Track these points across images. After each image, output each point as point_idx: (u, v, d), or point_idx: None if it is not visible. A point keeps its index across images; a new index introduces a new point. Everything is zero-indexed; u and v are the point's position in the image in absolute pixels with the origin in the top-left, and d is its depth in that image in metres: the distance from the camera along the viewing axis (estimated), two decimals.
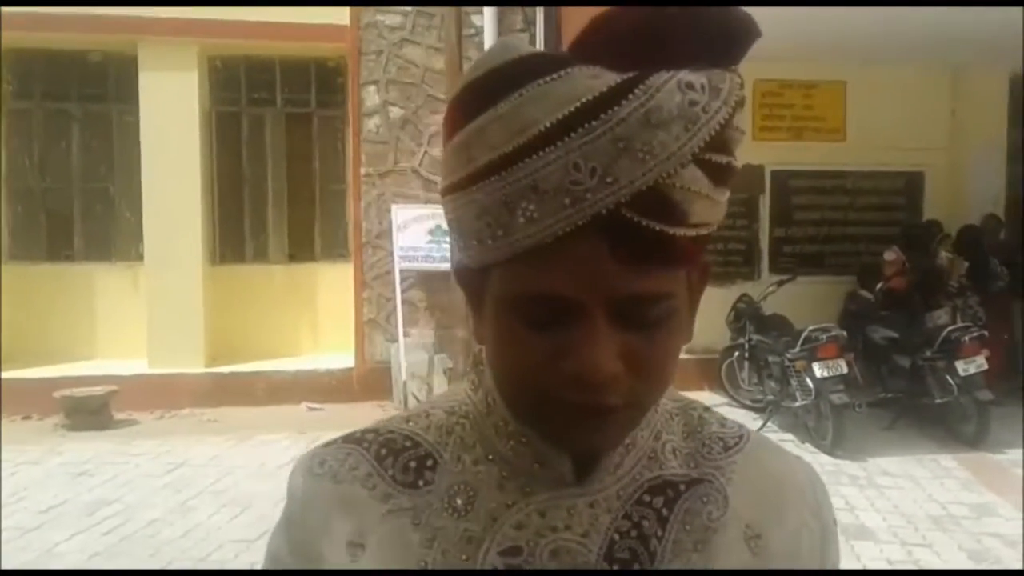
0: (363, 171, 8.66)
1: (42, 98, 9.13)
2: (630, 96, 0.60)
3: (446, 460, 0.76)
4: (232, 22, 8.49)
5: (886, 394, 7.76)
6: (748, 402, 8.23)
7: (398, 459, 0.77)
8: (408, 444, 0.77)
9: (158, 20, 8.44)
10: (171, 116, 8.69)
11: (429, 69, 8.54)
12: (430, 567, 0.72)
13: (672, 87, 0.60)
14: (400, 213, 8.25)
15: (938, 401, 7.17)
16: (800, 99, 9.62)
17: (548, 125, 0.60)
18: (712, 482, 0.77)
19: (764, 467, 0.80)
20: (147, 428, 7.84)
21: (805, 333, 7.09)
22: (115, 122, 9.15)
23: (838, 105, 9.63)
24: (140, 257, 8.95)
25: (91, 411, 7.75)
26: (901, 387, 7.62)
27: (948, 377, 7.05)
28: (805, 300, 8.60)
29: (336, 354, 8.95)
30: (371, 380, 8.50)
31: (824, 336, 7.00)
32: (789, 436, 7.28)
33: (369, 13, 8.59)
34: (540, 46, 7.74)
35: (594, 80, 0.61)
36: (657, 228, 0.61)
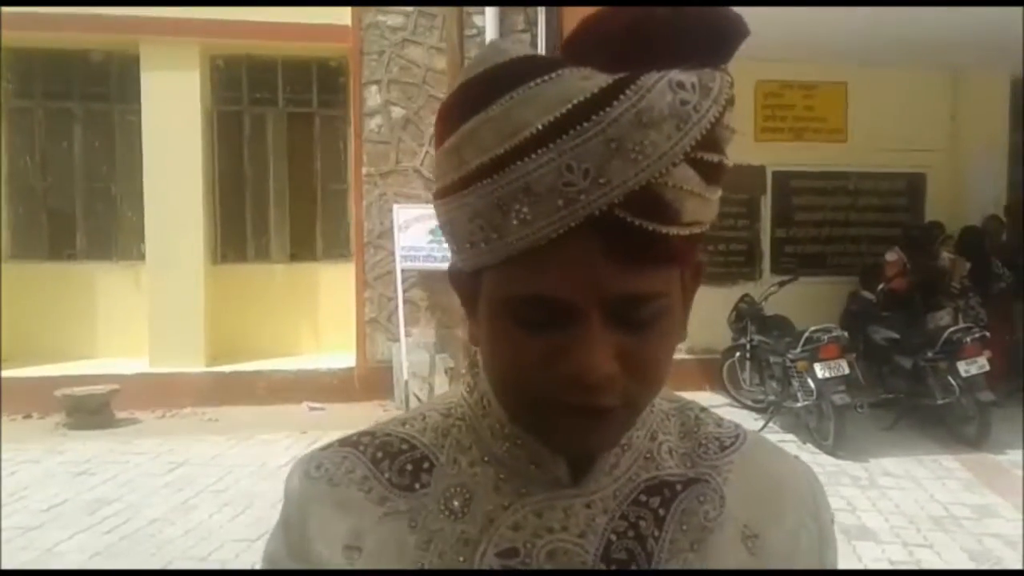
0: (365, 171, 8.67)
1: (44, 97, 9.14)
2: (621, 97, 0.60)
3: (442, 462, 0.76)
4: (234, 22, 8.49)
5: (887, 395, 7.76)
6: (749, 402, 8.23)
7: (394, 462, 0.77)
8: (404, 447, 0.77)
9: (160, 20, 8.45)
10: (173, 115, 8.69)
11: (431, 69, 8.54)
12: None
13: (663, 87, 0.60)
14: (401, 213, 8.25)
15: (940, 402, 7.17)
16: (801, 100, 9.62)
17: (540, 127, 0.60)
18: (709, 482, 0.77)
19: (761, 467, 0.80)
20: (148, 427, 7.84)
21: (807, 334, 7.08)
22: (117, 121, 9.16)
23: (840, 106, 9.64)
24: (142, 256, 8.95)
25: (92, 410, 7.75)
26: (902, 388, 7.62)
27: (950, 378, 7.05)
28: (806, 301, 8.60)
29: (337, 354, 8.95)
30: (372, 380, 8.50)
31: (825, 337, 6.99)
32: (791, 437, 7.28)
33: (371, 13, 8.60)
34: (541, 47, 7.74)
35: (585, 81, 0.61)
36: (651, 228, 0.61)
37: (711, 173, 0.64)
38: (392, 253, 8.40)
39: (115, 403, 7.97)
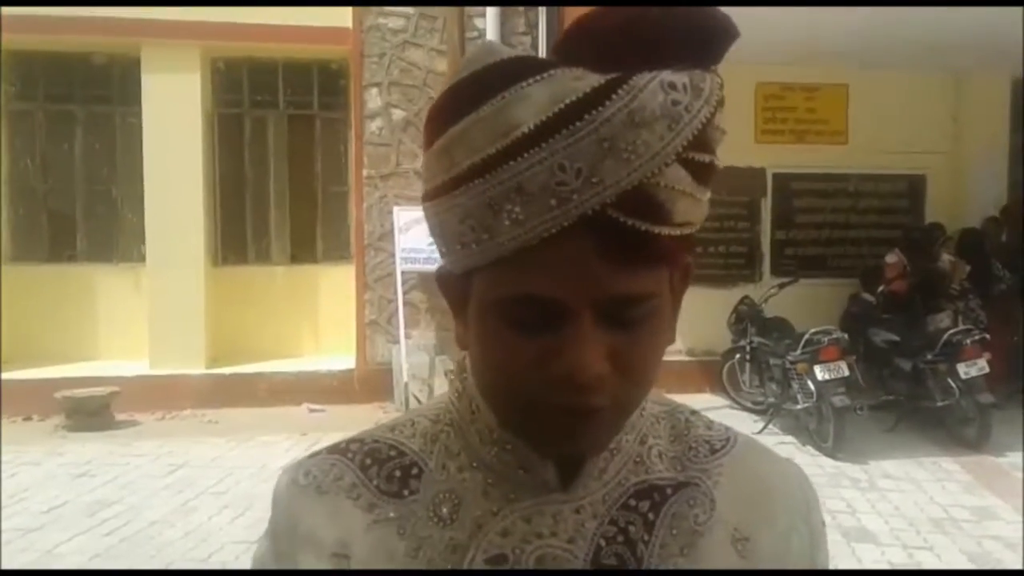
0: (365, 173, 8.67)
1: (45, 100, 9.15)
2: (614, 96, 0.60)
3: (431, 468, 0.76)
4: (235, 24, 8.50)
5: (887, 397, 7.76)
6: (749, 404, 8.23)
7: (383, 468, 0.76)
8: (393, 453, 0.77)
9: (161, 22, 8.46)
10: (174, 118, 8.70)
11: (431, 71, 8.55)
12: None
13: (655, 87, 0.61)
14: (402, 215, 8.25)
15: (939, 404, 7.17)
16: (802, 102, 9.62)
17: (532, 127, 0.60)
18: (699, 485, 0.76)
19: (752, 470, 0.80)
20: (148, 429, 7.84)
21: (806, 336, 7.08)
22: (118, 124, 9.16)
23: (840, 108, 9.64)
24: (142, 258, 8.96)
25: (92, 412, 7.75)
26: (902, 390, 7.62)
27: (949, 380, 7.05)
28: (806, 303, 8.60)
29: (337, 356, 8.95)
30: (372, 382, 8.50)
31: (825, 339, 6.99)
32: (790, 438, 7.28)
33: (371, 16, 8.61)
34: (542, 49, 7.75)
35: (577, 82, 0.61)
36: (643, 228, 0.61)
37: (702, 173, 0.64)
38: (392, 255, 8.41)
39: (115, 405, 7.97)
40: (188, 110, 8.79)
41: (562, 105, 0.60)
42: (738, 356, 8.30)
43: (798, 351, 7.08)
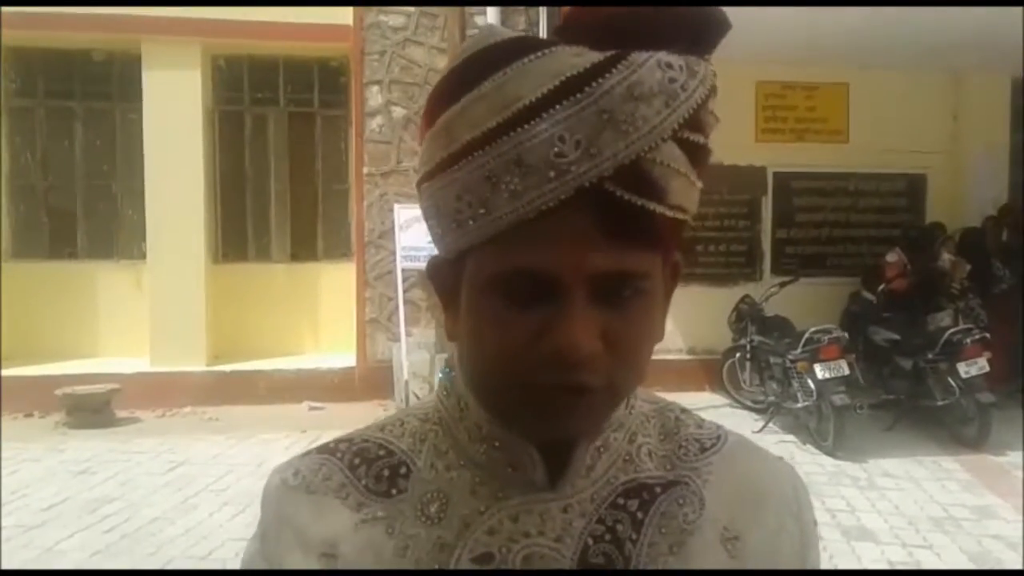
0: (366, 171, 8.68)
1: (45, 96, 9.15)
2: (613, 71, 0.61)
3: (420, 467, 0.76)
4: (236, 22, 8.50)
5: (887, 396, 7.76)
6: (750, 403, 8.23)
7: (371, 468, 0.76)
8: (382, 453, 0.77)
9: (162, 19, 8.46)
10: (174, 115, 8.70)
11: (432, 69, 8.55)
12: None
13: (652, 64, 0.62)
14: (402, 213, 8.25)
15: (939, 403, 7.18)
16: (803, 101, 9.62)
17: (533, 99, 0.61)
18: (688, 484, 0.76)
19: (742, 468, 0.79)
20: (149, 426, 7.85)
21: (807, 334, 7.09)
22: (118, 120, 9.17)
23: (841, 107, 9.64)
24: (143, 255, 8.96)
25: (93, 409, 7.76)
26: (903, 389, 7.62)
27: (950, 379, 7.05)
28: (807, 301, 8.61)
29: (338, 353, 8.96)
30: (373, 379, 8.50)
31: (826, 337, 7.00)
32: (790, 437, 7.28)
33: (372, 13, 8.61)
34: None
35: (577, 58, 0.63)
36: (639, 203, 0.62)
37: (696, 154, 0.65)
38: (393, 253, 8.41)
39: (116, 402, 7.97)
40: (189, 107, 8.79)
41: (563, 78, 0.61)
42: (738, 355, 8.30)
43: (798, 350, 7.08)
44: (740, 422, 7.62)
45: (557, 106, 0.61)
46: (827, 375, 6.84)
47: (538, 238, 0.62)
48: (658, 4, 0.65)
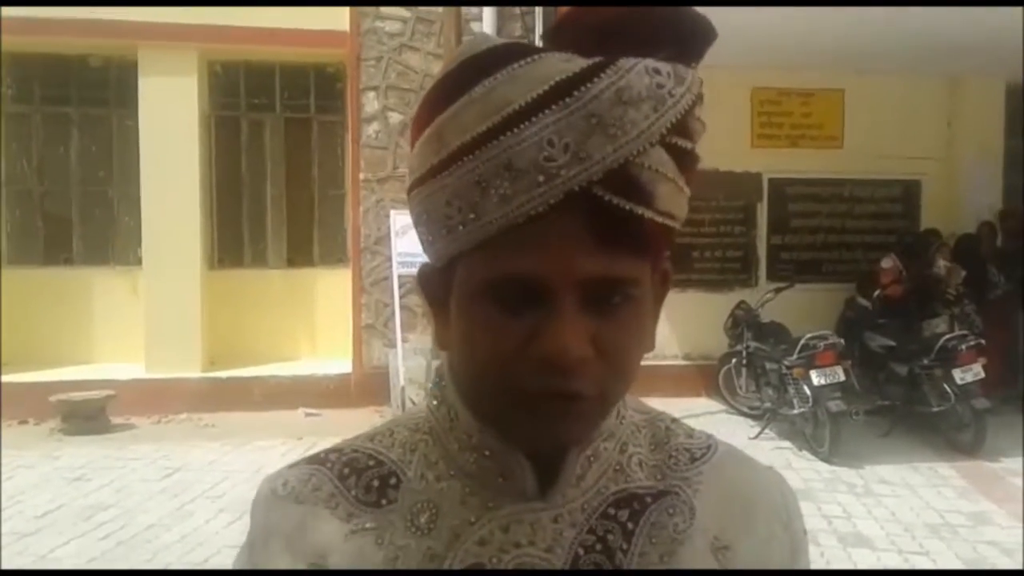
0: (362, 176, 8.68)
1: (42, 102, 9.15)
2: (602, 75, 0.62)
3: (410, 478, 0.75)
4: (232, 27, 8.51)
5: (883, 402, 7.76)
6: (746, 409, 8.24)
7: (361, 478, 0.76)
8: (371, 463, 0.77)
9: (158, 25, 8.46)
10: (171, 120, 8.70)
11: (428, 75, 8.55)
12: None
13: (641, 69, 0.63)
14: (399, 219, 8.25)
15: (935, 409, 7.19)
16: (798, 107, 9.64)
17: (523, 104, 0.62)
18: (679, 494, 0.76)
19: (732, 478, 0.80)
20: (144, 433, 7.83)
21: (802, 340, 7.09)
22: (114, 126, 9.16)
23: (836, 113, 9.66)
24: (138, 261, 8.95)
25: (88, 415, 7.74)
26: (898, 395, 7.63)
27: (945, 385, 7.07)
28: (802, 307, 8.62)
29: (334, 359, 8.95)
30: (369, 385, 8.49)
31: (821, 344, 7.00)
32: (787, 443, 7.29)
33: (368, 19, 8.62)
34: None
35: (567, 63, 0.63)
36: (627, 207, 0.62)
37: (684, 160, 0.66)
38: (389, 259, 8.40)
39: (111, 409, 7.95)
40: (185, 113, 8.79)
41: (552, 82, 0.62)
42: (734, 361, 8.31)
43: (794, 356, 7.09)
44: (736, 428, 7.63)
45: (546, 110, 0.61)
46: (823, 381, 6.84)
47: (528, 243, 0.62)
48: (651, 4, 0.65)
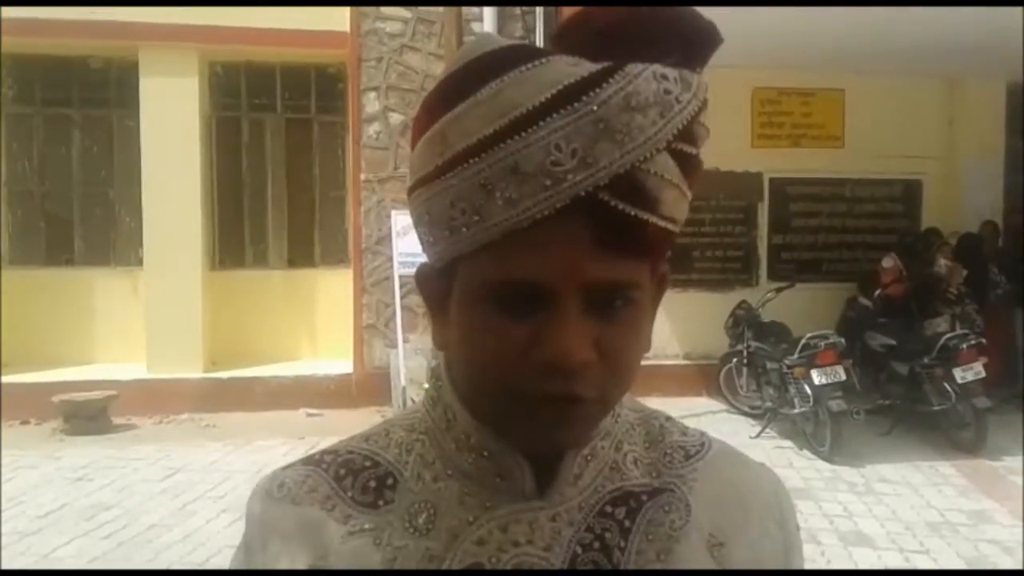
0: (363, 177, 8.68)
1: (43, 103, 9.16)
2: (610, 80, 0.62)
3: (406, 478, 0.75)
4: (233, 28, 8.51)
5: (884, 401, 7.76)
6: (747, 409, 8.24)
7: (357, 479, 0.76)
8: (368, 464, 0.77)
9: (159, 26, 8.47)
10: (171, 121, 8.71)
11: (429, 75, 8.56)
12: None
13: (648, 75, 0.63)
14: (400, 219, 8.25)
15: (936, 408, 7.19)
16: (799, 107, 9.64)
17: (530, 107, 0.62)
18: (674, 491, 0.77)
19: (726, 475, 0.80)
20: (146, 433, 7.84)
21: (803, 340, 7.10)
22: (115, 127, 9.17)
23: (837, 113, 9.66)
24: (140, 262, 8.96)
25: (90, 416, 7.75)
26: (899, 394, 7.63)
27: (946, 384, 7.07)
28: (803, 307, 8.62)
29: (335, 359, 8.95)
30: (370, 386, 8.50)
31: (822, 343, 7.01)
32: (787, 443, 7.29)
33: (369, 20, 8.62)
34: None
35: (574, 67, 0.63)
36: (632, 213, 0.62)
37: (688, 166, 0.66)
38: (390, 259, 8.41)
39: (113, 409, 7.96)
40: (186, 114, 8.79)
41: (560, 87, 0.62)
42: (735, 360, 8.31)
43: (795, 355, 7.09)
44: (737, 428, 7.63)
45: (554, 115, 0.61)
46: (824, 380, 6.84)
47: (532, 246, 0.62)
48: (651, 4, 0.65)
